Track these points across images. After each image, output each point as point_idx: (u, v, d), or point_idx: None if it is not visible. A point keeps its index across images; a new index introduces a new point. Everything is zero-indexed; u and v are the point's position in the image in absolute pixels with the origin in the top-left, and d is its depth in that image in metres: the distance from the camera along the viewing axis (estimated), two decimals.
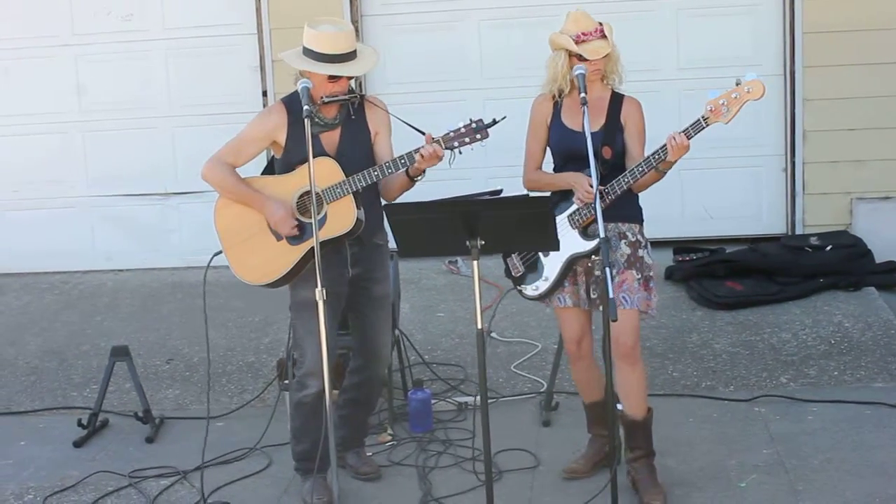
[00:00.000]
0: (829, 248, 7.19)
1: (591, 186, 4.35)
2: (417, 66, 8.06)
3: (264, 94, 8.02)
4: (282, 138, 4.63)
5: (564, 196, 4.62)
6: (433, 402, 5.61)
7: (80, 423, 5.66)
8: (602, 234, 4.13)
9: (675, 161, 4.42)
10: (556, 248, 4.20)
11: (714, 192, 7.91)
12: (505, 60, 7.88)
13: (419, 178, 4.55)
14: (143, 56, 8.28)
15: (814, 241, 7.32)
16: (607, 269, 4.04)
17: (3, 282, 8.33)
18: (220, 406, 5.98)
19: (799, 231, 7.75)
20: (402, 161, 4.46)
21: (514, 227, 4.01)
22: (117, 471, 5.22)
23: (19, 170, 8.49)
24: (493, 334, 6.59)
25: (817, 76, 7.58)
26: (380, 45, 7.97)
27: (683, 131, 4.38)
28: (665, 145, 4.39)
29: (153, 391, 6.19)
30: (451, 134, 4.43)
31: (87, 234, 8.50)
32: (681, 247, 7.57)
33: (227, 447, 5.38)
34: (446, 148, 4.42)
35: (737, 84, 4.40)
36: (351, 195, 4.48)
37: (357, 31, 7.91)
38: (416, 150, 4.42)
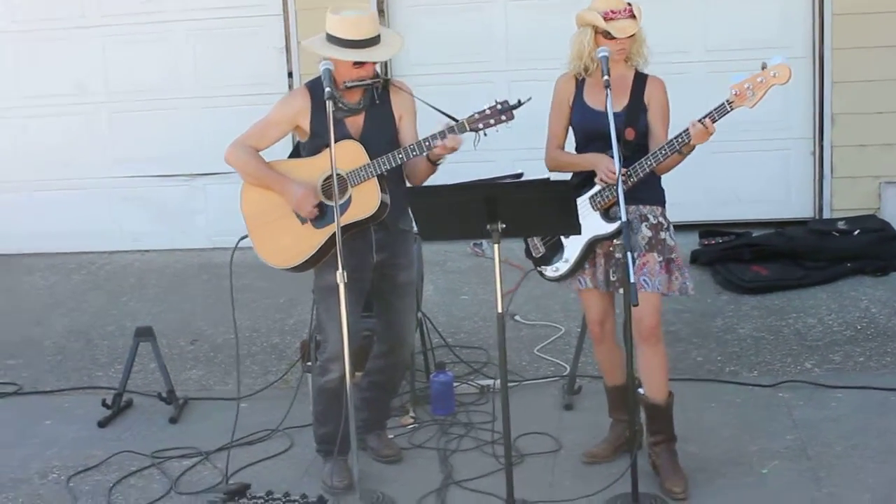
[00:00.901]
0: (856, 232, 7.14)
1: (613, 168, 4.32)
2: (443, 48, 8.05)
3: (290, 75, 8.04)
4: (306, 123, 4.62)
5: (587, 177, 4.60)
6: (455, 384, 5.60)
7: (104, 404, 5.69)
8: (624, 218, 4.11)
9: (699, 144, 4.39)
10: (578, 231, 4.18)
11: (741, 176, 7.87)
12: (530, 42, 7.85)
13: (440, 161, 4.54)
14: (169, 37, 8.33)
15: (841, 225, 7.27)
16: (629, 254, 4.02)
17: (30, 262, 8.41)
18: (244, 387, 5.96)
19: (826, 215, 7.70)
20: (427, 144, 4.45)
21: (535, 210, 3.99)
22: (140, 451, 5.25)
23: (47, 150, 8.56)
24: (517, 317, 6.58)
25: (846, 58, 7.51)
26: (405, 26, 8.00)
27: (708, 116, 4.34)
28: (687, 130, 4.36)
29: (177, 372, 6.22)
30: (476, 116, 4.42)
31: (114, 215, 8.56)
32: (707, 230, 7.54)
33: (251, 428, 5.38)
34: (471, 129, 4.41)
35: (763, 67, 4.34)
36: (375, 178, 4.47)
37: (383, 12, 7.93)
38: (441, 133, 4.41)
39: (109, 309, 7.33)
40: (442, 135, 4.40)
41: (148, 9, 8.30)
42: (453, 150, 4.42)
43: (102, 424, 5.62)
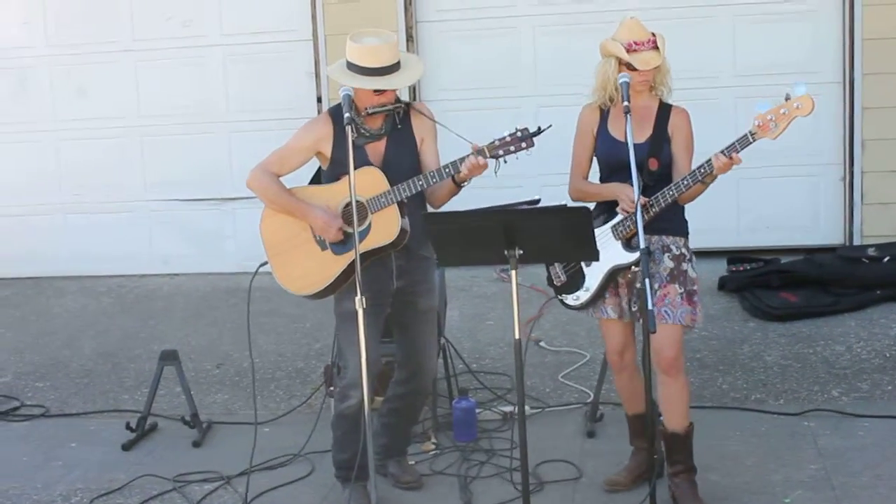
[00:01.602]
0: (886, 259, 7.06)
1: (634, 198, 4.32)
2: (471, 73, 8.08)
3: (319, 100, 8.07)
4: (327, 150, 4.63)
5: (610, 207, 4.59)
6: (478, 411, 5.58)
7: (128, 427, 5.72)
8: (643, 245, 4.09)
9: (722, 174, 4.36)
10: (596, 258, 4.16)
11: (770, 202, 7.82)
12: (559, 67, 7.84)
13: (465, 184, 4.53)
14: (201, 62, 8.39)
15: (871, 252, 7.19)
16: (647, 281, 4.00)
17: (62, 284, 8.49)
18: (269, 411, 6.01)
19: (857, 241, 7.63)
20: (447, 170, 4.44)
21: (553, 236, 3.98)
22: (163, 474, 5.26)
23: (81, 174, 8.65)
24: (542, 343, 6.56)
25: (877, 84, 7.46)
26: (434, 52, 8.04)
27: (730, 147, 4.31)
28: (710, 160, 4.33)
29: (203, 395, 6.25)
30: (497, 143, 4.40)
31: (145, 238, 8.62)
32: (735, 257, 7.49)
33: (273, 452, 5.39)
34: (491, 157, 4.39)
35: (786, 99, 4.31)
36: (395, 205, 4.47)
37: (412, 38, 7.97)
38: (461, 160, 4.41)
39: (138, 332, 7.37)
40: (474, 156, 4.38)
41: (182, 33, 8.38)
42: (478, 170, 4.39)
43: (126, 448, 5.65)
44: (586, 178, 4.77)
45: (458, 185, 4.52)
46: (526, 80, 8.07)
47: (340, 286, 4.59)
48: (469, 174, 4.41)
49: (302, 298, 4.79)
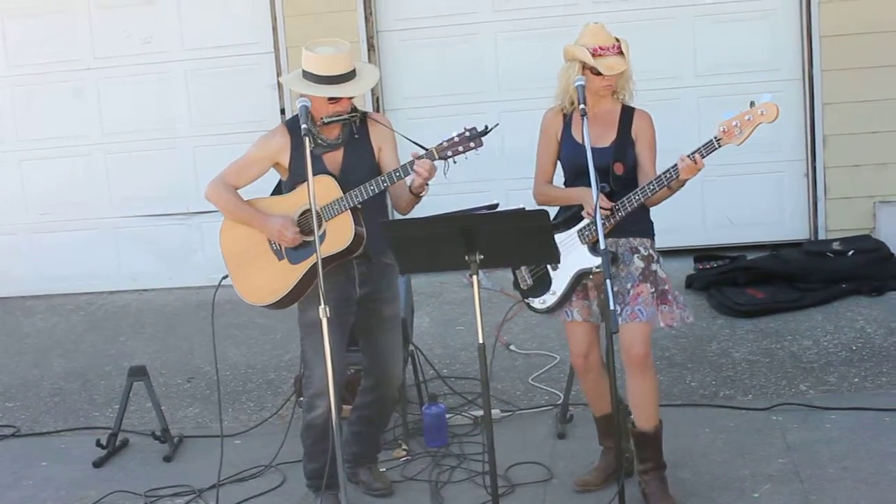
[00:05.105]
0: (850, 252, 7.11)
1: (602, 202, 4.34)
2: (434, 80, 8.08)
3: (282, 111, 8.06)
4: (285, 160, 4.65)
5: (576, 212, 4.60)
6: (449, 416, 5.60)
7: (98, 444, 5.70)
8: (602, 246, 4.11)
9: (688, 179, 4.38)
10: (556, 260, 4.19)
11: (735, 199, 7.86)
12: (521, 73, 7.86)
13: (423, 193, 4.53)
14: (163, 78, 8.37)
15: (836, 246, 7.24)
16: (608, 282, 4.02)
17: (31, 304, 8.45)
18: (240, 423, 6.01)
19: (822, 236, 7.67)
20: (397, 174, 4.45)
21: (513, 240, 4.00)
22: (134, 490, 5.25)
23: (46, 193, 8.61)
24: (512, 347, 6.58)
25: (836, 80, 7.52)
26: (396, 61, 8.07)
27: (696, 151, 4.33)
28: (676, 165, 4.35)
29: (174, 410, 6.24)
30: (445, 143, 4.41)
31: (113, 255, 8.58)
32: (702, 255, 7.53)
33: (245, 464, 5.40)
34: (439, 158, 4.40)
35: (751, 105, 4.35)
36: (349, 211, 4.48)
37: (373, 47, 7.99)
38: (409, 164, 4.41)
39: (107, 349, 7.35)
40: (411, 164, 4.40)
41: (143, 50, 8.36)
42: (428, 176, 4.40)
43: (97, 465, 5.63)
44: (550, 181, 4.78)
45: (416, 195, 4.54)
46: (488, 86, 8.09)
47: (300, 295, 4.60)
48: (419, 181, 4.41)
49: (265, 309, 4.80)
